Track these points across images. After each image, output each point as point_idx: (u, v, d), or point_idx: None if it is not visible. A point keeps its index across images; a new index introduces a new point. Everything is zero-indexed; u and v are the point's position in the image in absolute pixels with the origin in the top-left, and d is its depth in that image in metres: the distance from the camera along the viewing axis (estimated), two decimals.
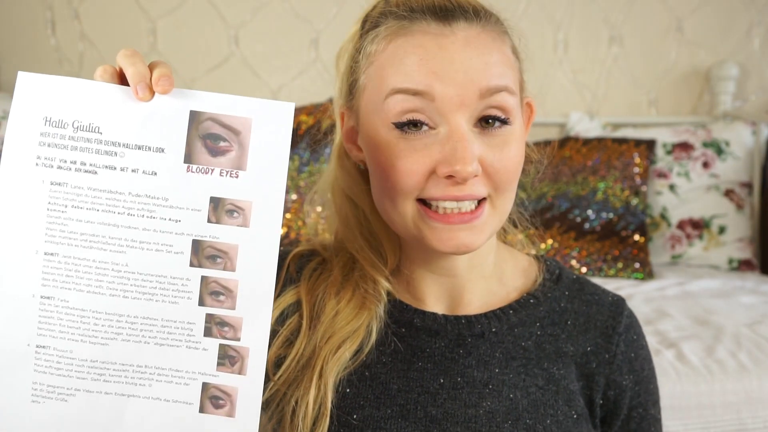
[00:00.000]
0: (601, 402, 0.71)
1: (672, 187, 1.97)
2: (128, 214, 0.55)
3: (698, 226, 1.95)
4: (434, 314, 0.70)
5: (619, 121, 2.19)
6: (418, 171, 0.61)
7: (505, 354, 0.69)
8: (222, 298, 0.56)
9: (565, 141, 2.02)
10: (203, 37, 2.20)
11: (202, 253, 0.55)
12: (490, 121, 0.62)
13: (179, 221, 0.55)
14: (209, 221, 0.55)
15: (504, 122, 0.62)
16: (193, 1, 2.18)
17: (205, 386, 0.57)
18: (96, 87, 0.55)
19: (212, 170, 0.55)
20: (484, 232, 0.64)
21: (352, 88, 0.67)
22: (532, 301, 0.72)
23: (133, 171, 0.55)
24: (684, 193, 1.96)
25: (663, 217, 1.97)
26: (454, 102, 0.60)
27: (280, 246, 0.62)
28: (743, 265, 1.91)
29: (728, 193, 1.96)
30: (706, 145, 1.98)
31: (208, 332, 0.56)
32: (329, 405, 0.64)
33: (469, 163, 0.59)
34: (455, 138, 0.60)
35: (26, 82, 0.55)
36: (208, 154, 0.55)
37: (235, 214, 0.55)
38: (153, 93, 0.54)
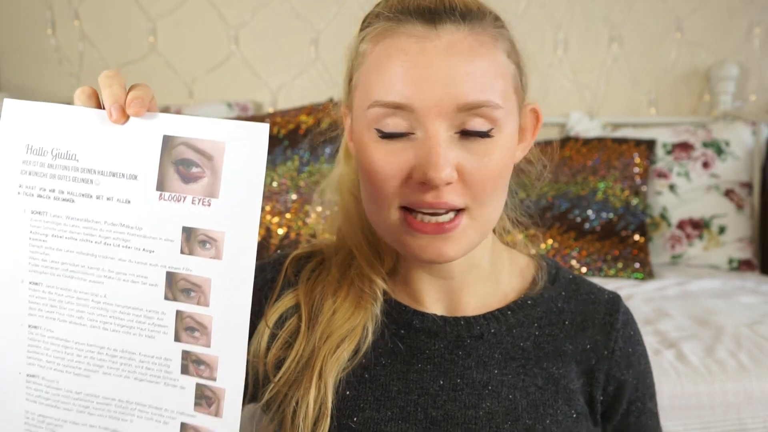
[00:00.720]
0: (602, 398, 0.71)
1: (672, 187, 1.97)
2: (105, 244, 0.54)
3: (698, 226, 1.95)
4: (433, 316, 0.70)
5: (619, 121, 2.19)
6: (395, 176, 0.61)
7: (504, 355, 0.69)
8: (197, 334, 0.55)
9: (565, 141, 2.02)
10: (203, 37, 2.20)
11: (176, 286, 0.54)
12: (470, 134, 0.61)
13: (153, 252, 0.54)
14: (182, 252, 0.54)
15: (485, 135, 0.61)
16: (193, 1, 2.18)
17: (184, 426, 0.56)
18: (74, 112, 0.54)
19: (184, 198, 0.53)
20: (462, 243, 0.63)
21: (349, 87, 0.67)
22: (529, 302, 0.72)
23: (108, 199, 0.54)
24: (684, 193, 1.96)
25: (663, 217, 1.97)
26: (432, 112, 0.59)
27: (278, 249, 0.61)
28: (743, 265, 1.91)
29: (728, 193, 1.96)
30: (706, 145, 1.98)
31: (184, 370, 0.55)
32: (329, 405, 0.64)
33: (442, 170, 0.58)
34: (430, 143, 0.59)
35: (11, 109, 0.54)
36: (180, 181, 0.53)
37: (208, 246, 0.54)
38: (127, 116, 0.53)
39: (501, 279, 0.73)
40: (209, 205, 0.53)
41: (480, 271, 0.71)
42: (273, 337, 0.70)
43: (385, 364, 0.68)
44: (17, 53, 2.20)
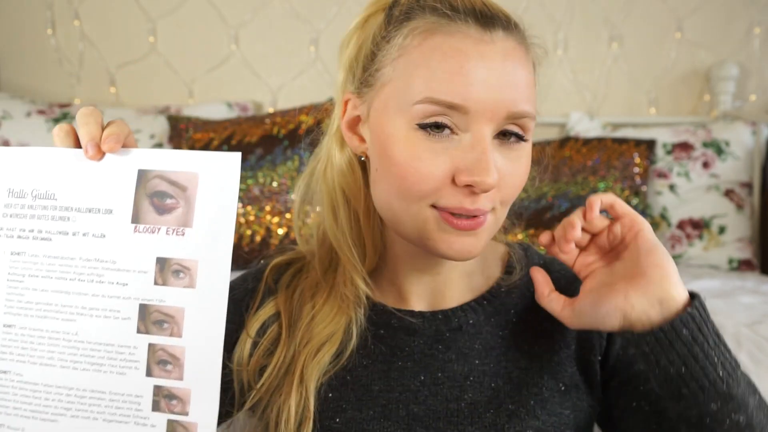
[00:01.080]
0: (600, 357, 0.70)
1: (672, 187, 1.97)
2: (79, 280, 0.54)
3: (698, 226, 1.95)
4: (411, 312, 0.70)
5: (619, 121, 2.19)
6: (438, 176, 0.60)
7: (484, 344, 0.69)
8: (169, 367, 0.54)
9: (565, 141, 2.01)
10: (203, 37, 2.20)
11: (148, 318, 0.54)
12: (509, 135, 0.62)
13: (126, 285, 0.54)
14: (156, 283, 0.54)
15: (521, 139, 0.62)
16: (193, 1, 2.18)
17: None
18: (52, 153, 0.55)
19: (159, 229, 0.54)
20: (484, 240, 0.64)
21: (370, 77, 0.65)
22: (503, 289, 0.72)
23: (83, 235, 0.55)
24: (684, 193, 1.96)
25: (663, 217, 1.97)
26: (486, 116, 0.59)
27: (278, 250, 0.60)
28: (743, 265, 1.91)
29: (728, 193, 1.95)
30: (706, 145, 1.98)
31: (156, 406, 0.55)
32: (312, 409, 0.65)
33: (491, 175, 0.59)
34: (479, 148, 0.59)
35: None
36: (155, 213, 0.54)
37: (181, 275, 0.54)
38: (102, 152, 0.55)
39: (486, 269, 0.74)
40: (183, 234, 0.54)
41: (466, 265, 0.71)
42: (255, 345, 0.70)
43: (366, 365, 0.68)
44: (17, 53, 2.21)
